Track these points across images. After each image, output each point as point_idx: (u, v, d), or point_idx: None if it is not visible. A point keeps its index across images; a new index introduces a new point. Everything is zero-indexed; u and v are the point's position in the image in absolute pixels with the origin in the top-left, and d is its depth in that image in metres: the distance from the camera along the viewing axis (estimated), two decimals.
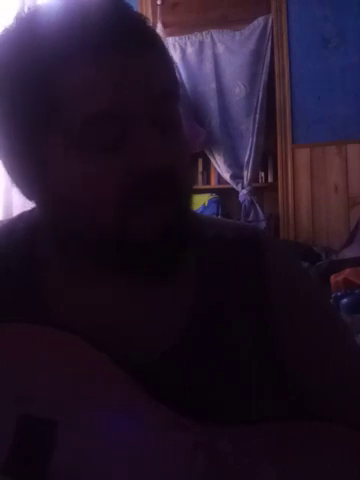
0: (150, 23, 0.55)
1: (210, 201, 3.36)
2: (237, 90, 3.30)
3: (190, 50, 3.43)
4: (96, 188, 0.51)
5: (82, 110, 0.50)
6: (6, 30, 0.53)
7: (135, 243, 0.51)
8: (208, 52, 3.38)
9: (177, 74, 0.58)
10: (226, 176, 3.34)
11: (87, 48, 0.49)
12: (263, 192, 3.46)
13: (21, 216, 0.65)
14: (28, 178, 0.55)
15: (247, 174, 3.27)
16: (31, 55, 0.50)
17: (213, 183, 3.55)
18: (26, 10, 0.54)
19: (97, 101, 0.49)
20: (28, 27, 0.52)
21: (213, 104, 3.34)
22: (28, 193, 0.57)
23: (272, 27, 3.25)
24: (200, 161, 3.51)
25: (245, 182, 3.28)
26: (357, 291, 2.03)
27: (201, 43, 3.40)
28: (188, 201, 0.55)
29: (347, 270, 2.23)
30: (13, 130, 0.53)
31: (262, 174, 3.43)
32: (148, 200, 0.51)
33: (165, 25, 3.41)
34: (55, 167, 0.52)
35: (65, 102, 0.50)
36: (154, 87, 0.51)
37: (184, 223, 0.54)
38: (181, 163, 0.53)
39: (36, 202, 0.58)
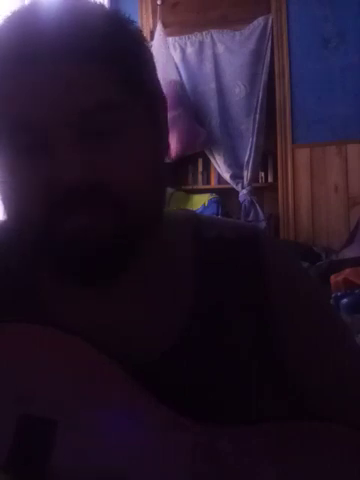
0: (122, 28, 0.54)
1: (210, 201, 3.36)
2: (237, 90, 3.30)
3: (190, 50, 3.43)
4: (23, 192, 0.52)
5: (3, 117, 0.51)
6: None
7: (60, 249, 0.52)
8: (208, 52, 3.38)
9: (141, 81, 0.55)
10: (226, 176, 3.34)
11: (11, 59, 0.50)
12: (263, 192, 3.46)
13: None
14: None
15: (247, 174, 3.27)
16: None
17: (213, 183, 3.54)
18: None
19: (15, 110, 0.50)
20: None
21: (213, 104, 3.34)
22: None
23: (272, 27, 3.25)
24: (200, 161, 3.51)
25: (245, 182, 3.28)
26: (357, 291, 2.03)
27: (201, 43, 3.40)
28: (130, 210, 0.52)
29: (347, 270, 2.23)
30: None
31: (262, 174, 3.43)
32: (66, 209, 0.50)
33: (165, 25, 3.41)
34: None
35: None
36: (85, 100, 0.50)
37: (118, 232, 0.51)
38: (118, 174, 0.51)
39: None
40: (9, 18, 0.53)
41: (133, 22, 0.56)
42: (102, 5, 0.56)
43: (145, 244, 0.55)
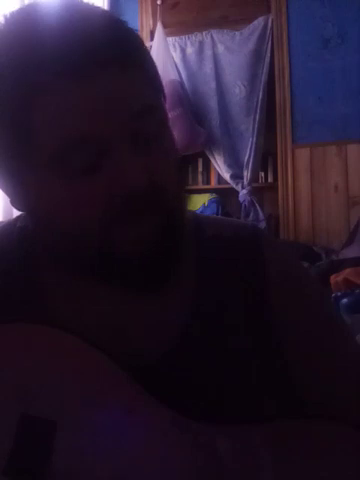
0: (135, 37, 0.54)
1: (210, 201, 3.37)
2: (237, 90, 3.30)
3: (190, 50, 3.43)
4: (78, 210, 0.51)
5: (61, 133, 0.49)
6: None
7: (120, 260, 0.52)
8: (208, 52, 3.38)
9: (160, 81, 0.56)
10: (226, 176, 3.34)
11: (66, 67, 0.48)
12: (263, 192, 3.46)
13: (19, 217, 0.65)
14: (16, 192, 0.56)
15: (247, 174, 3.27)
16: (9, 72, 0.49)
17: (213, 183, 3.55)
18: (3, 21, 0.52)
19: (76, 124, 0.49)
20: (11, 40, 0.51)
21: (213, 104, 3.34)
22: (17, 205, 0.57)
23: (272, 27, 3.25)
24: (200, 161, 3.52)
25: (245, 182, 3.28)
26: (357, 291, 2.03)
27: (201, 43, 3.40)
28: (176, 214, 0.54)
29: (347, 270, 2.23)
30: None
31: (262, 174, 3.43)
32: (130, 219, 0.51)
33: (165, 25, 3.41)
34: (39, 187, 0.52)
35: (43, 123, 0.49)
36: (134, 105, 0.51)
37: (171, 238, 0.53)
38: (166, 176, 0.53)
39: (27, 214, 0.59)
40: (42, 27, 0.50)
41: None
42: (109, 12, 0.57)
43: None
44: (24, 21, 0.52)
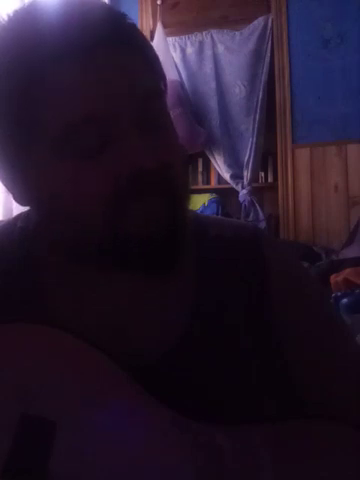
0: (136, 27, 0.55)
1: (210, 201, 3.37)
2: (237, 90, 3.30)
3: (190, 50, 3.43)
4: (84, 191, 0.51)
5: (66, 115, 0.50)
6: None
7: (128, 241, 0.52)
8: (208, 52, 3.38)
9: (162, 71, 0.57)
10: (226, 176, 3.34)
11: (70, 50, 0.49)
12: (263, 192, 3.46)
13: (19, 216, 0.65)
14: (18, 183, 0.55)
15: (247, 174, 3.27)
16: (16, 55, 0.50)
17: (213, 183, 3.55)
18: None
19: (81, 105, 0.49)
20: (15, 26, 0.52)
21: (213, 104, 3.34)
22: (19, 198, 0.57)
23: (272, 27, 3.25)
24: (200, 161, 3.52)
25: (245, 182, 3.28)
26: (357, 291, 2.03)
27: (201, 43, 3.40)
28: (182, 197, 0.55)
29: (347, 270, 2.23)
30: None
31: (262, 174, 3.43)
32: (136, 199, 0.51)
33: (165, 25, 3.41)
34: (42, 172, 0.52)
35: (48, 105, 0.50)
36: (137, 88, 0.51)
37: (177, 218, 0.53)
38: (171, 160, 0.53)
39: (29, 207, 0.59)
40: (44, 14, 0.52)
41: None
42: (111, 5, 0.58)
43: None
44: (27, 11, 0.53)
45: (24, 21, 0.52)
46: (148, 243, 0.52)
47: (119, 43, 0.51)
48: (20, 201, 0.57)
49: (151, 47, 0.57)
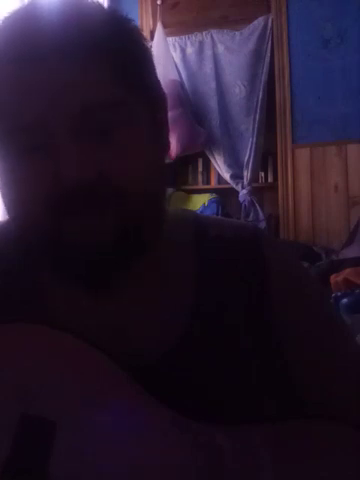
0: (122, 27, 0.54)
1: (210, 201, 3.37)
2: (237, 90, 3.30)
3: (190, 50, 3.43)
4: (24, 192, 0.52)
5: (7, 114, 0.51)
6: None
7: (65, 250, 0.52)
8: (208, 52, 3.38)
9: (141, 77, 0.55)
10: (226, 176, 3.34)
11: (16, 55, 0.50)
12: (263, 192, 3.46)
13: None
14: None
15: (247, 174, 3.27)
16: None
17: (213, 183, 3.55)
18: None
19: (20, 108, 0.50)
20: None
21: (213, 104, 3.34)
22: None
23: (272, 27, 3.25)
24: (200, 161, 3.52)
25: (245, 182, 3.28)
26: (357, 291, 2.03)
27: (201, 43, 3.40)
28: (129, 210, 0.52)
29: (347, 270, 2.23)
30: None
31: (262, 174, 3.43)
32: (70, 210, 0.50)
33: (165, 25, 3.41)
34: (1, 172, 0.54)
35: None
36: (86, 97, 0.50)
37: (118, 232, 0.51)
38: (117, 170, 0.51)
39: None
40: (8, 18, 0.53)
41: (132, 21, 0.56)
42: (100, 5, 0.56)
43: (149, 244, 0.55)
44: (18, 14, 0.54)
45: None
46: (83, 256, 0.51)
47: (76, 52, 0.50)
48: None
49: (134, 52, 0.54)
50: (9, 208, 0.55)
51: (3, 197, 0.56)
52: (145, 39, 0.57)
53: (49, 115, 0.50)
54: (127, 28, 0.55)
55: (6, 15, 0.54)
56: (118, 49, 0.53)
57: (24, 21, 0.52)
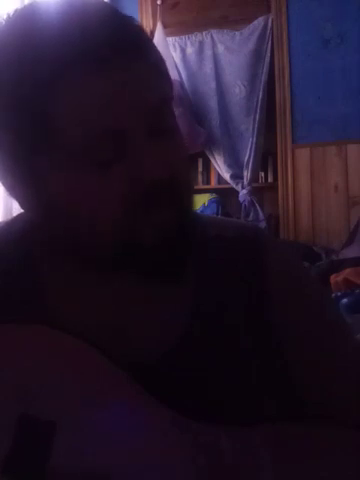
0: (144, 30, 0.55)
1: (210, 201, 3.37)
2: (237, 90, 3.31)
3: (190, 50, 3.43)
4: (96, 203, 0.51)
5: (83, 127, 0.49)
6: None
7: (143, 249, 0.52)
8: (208, 52, 3.38)
9: (169, 74, 0.57)
10: (226, 176, 3.34)
11: (85, 62, 0.48)
12: (263, 192, 3.47)
13: (19, 217, 0.65)
14: (26, 193, 0.54)
15: (247, 174, 3.27)
16: (28, 67, 0.48)
17: (213, 183, 3.55)
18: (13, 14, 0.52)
19: (99, 118, 0.49)
20: (16, 32, 0.50)
21: (213, 104, 3.35)
22: (26, 206, 0.57)
23: (272, 27, 3.25)
24: (200, 161, 3.52)
25: (245, 182, 3.28)
26: (357, 291, 2.03)
27: (201, 43, 3.40)
28: (190, 202, 0.56)
29: (347, 270, 2.23)
30: (9, 145, 0.52)
31: (262, 174, 3.43)
32: (150, 210, 0.51)
33: (165, 25, 3.41)
34: (54, 182, 0.52)
35: (64, 118, 0.49)
36: (151, 98, 0.51)
37: (187, 225, 0.54)
38: (180, 167, 0.54)
39: (33, 214, 0.58)
40: (54, 20, 0.50)
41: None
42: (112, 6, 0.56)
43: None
44: (29, 16, 0.52)
45: (26, 26, 0.50)
46: (161, 251, 0.52)
47: (131, 49, 0.50)
48: (29, 209, 0.57)
49: (160, 55, 0.56)
50: (71, 223, 0.53)
51: (50, 213, 0.54)
52: None
53: (128, 118, 0.50)
54: (141, 27, 0.56)
55: (63, 13, 0.50)
56: (153, 48, 0.54)
57: (79, 25, 0.49)
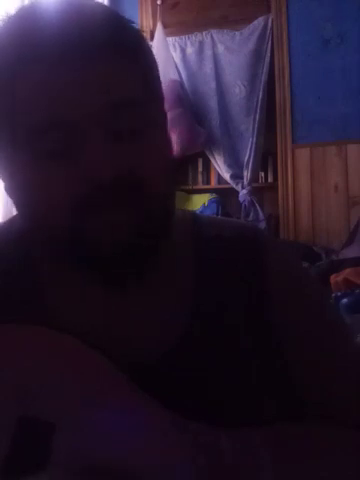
0: (131, 27, 0.54)
1: (210, 201, 3.37)
2: (237, 90, 3.30)
3: (190, 50, 3.43)
4: (49, 194, 0.51)
5: (33, 117, 0.50)
6: None
7: (89, 248, 0.51)
8: (208, 52, 3.38)
9: (156, 77, 0.56)
10: (226, 176, 3.34)
11: (40, 52, 0.49)
12: (263, 192, 3.46)
13: (17, 216, 0.65)
14: (6, 185, 0.56)
15: (247, 174, 3.27)
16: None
17: (213, 183, 3.55)
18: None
19: (47, 109, 0.49)
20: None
21: (213, 104, 3.35)
22: (7, 192, 0.58)
23: (272, 27, 3.25)
24: (200, 161, 3.52)
25: (245, 182, 3.28)
26: (357, 291, 2.03)
27: (201, 43, 3.40)
28: (157, 208, 0.53)
29: (347, 270, 2.23)
30: None
31: (262, 174, 3.43)
32: (97, 209, 0.50)
33: (165, 25, 3.41)
34: (18, 175, 0.53)
35: (16, 106, 0.50)
36: (112, 95, 0.50)
37: (150, 228, 0.52)
38: (146, 172, 0.52)
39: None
40: (26, 19, 0.53)
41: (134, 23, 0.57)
42: (110, 8, 0.57)
43: (163, 244, 0.56)
44: (22, 15, 0.53)
45: (17, 25, 0.52)
46: (108, 254, 0.51)
47: (103, 49, 0.50)
48: (7, 192, 0.58)
49: (146, 55, 0.55)
50: (25, 211, 0.55)
51: (17, 200, 0.55)
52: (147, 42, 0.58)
53: (82, 114, 0.50)
54: (136, 30, 0.56)
55: (24, 16, 0.53)
56: (140, 50, 0.54)
57: (48, 21, 0.51)
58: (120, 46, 0.51)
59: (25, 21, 0.52)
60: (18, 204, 0.56)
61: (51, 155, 0.50)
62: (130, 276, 0.55)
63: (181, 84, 3.38)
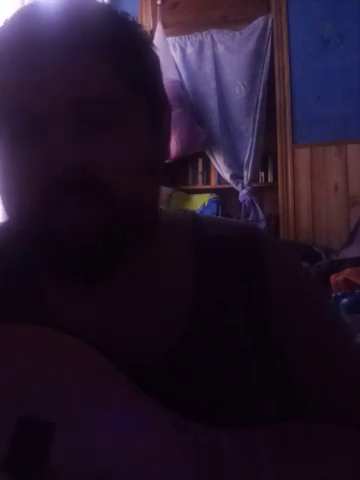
0: (123, 25, 0.55)
1: (210, 201, 3.37)
2: (237, 90, 3.30)
3: (190, 50, 3.43)
4: (16, 183, 0.52)
5: (2, 106, 0.52)
6: None
7: (53, 243, 0.52)
8: (208, 52, 3.38)
9: (139, 75, 0.55)
10: (226, 176, 3.34)
11: (13, 45, 0.51)
12: (263, 192, 3.46)
13: None
14: None
15: (247, 174, 3.27)
16: None
17: (213, 183, 3.55)
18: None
19: (13, 96, 0.51)
20: None
21: (213, 104, 3.34)
22: None
23: (272, 27, 3.25)
24: (200, 161, 3.52)
25: (245, 182, 3.28)
26: (357, 291, 2.03)
27: (201, 43, 3.40)
28: (121, 204, 0.52)
29: (347, 270, 2.23)
30: None
31: (262, 174, 3.43)
32: (57, 202, 0.50)
33: (165, 25, 3.41)
34: None
35: None
36: (83, 90, 0.50)
37: (118, 227, 0.52)
38: (112, 169, 0.51)
39: None
40: (14, 15, 0.54)
41: (139, 25, 0.56)
42: (108, 5, 0.57)
43: (139, 243, 0.55)
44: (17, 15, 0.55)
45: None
46: (70, 250, 0.51)
47: (77, 45, 0.50)
48: None
49: (139, 56, 0.55)
50: (4, 198, 0.55)
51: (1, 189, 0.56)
52: (152, 44, 0.57)
53: (48, 102, 0.50)
54: (134, 31, 0.55)
55: (13, 14, 0.55)
56: (119, 49, 0.53)
57: (27, 16, 0.53)
58: (96, 44, 0.51)
59: (12, 19, 0.54)
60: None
61: (20, 141, 0.51)
62: (91, 275, 0.54)
63: (181, 84, 3.37)
